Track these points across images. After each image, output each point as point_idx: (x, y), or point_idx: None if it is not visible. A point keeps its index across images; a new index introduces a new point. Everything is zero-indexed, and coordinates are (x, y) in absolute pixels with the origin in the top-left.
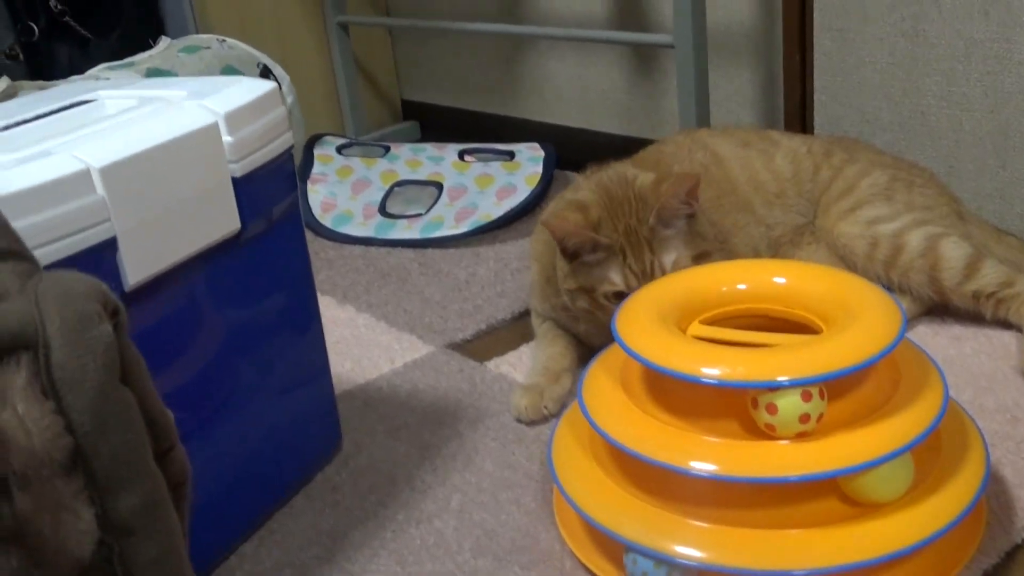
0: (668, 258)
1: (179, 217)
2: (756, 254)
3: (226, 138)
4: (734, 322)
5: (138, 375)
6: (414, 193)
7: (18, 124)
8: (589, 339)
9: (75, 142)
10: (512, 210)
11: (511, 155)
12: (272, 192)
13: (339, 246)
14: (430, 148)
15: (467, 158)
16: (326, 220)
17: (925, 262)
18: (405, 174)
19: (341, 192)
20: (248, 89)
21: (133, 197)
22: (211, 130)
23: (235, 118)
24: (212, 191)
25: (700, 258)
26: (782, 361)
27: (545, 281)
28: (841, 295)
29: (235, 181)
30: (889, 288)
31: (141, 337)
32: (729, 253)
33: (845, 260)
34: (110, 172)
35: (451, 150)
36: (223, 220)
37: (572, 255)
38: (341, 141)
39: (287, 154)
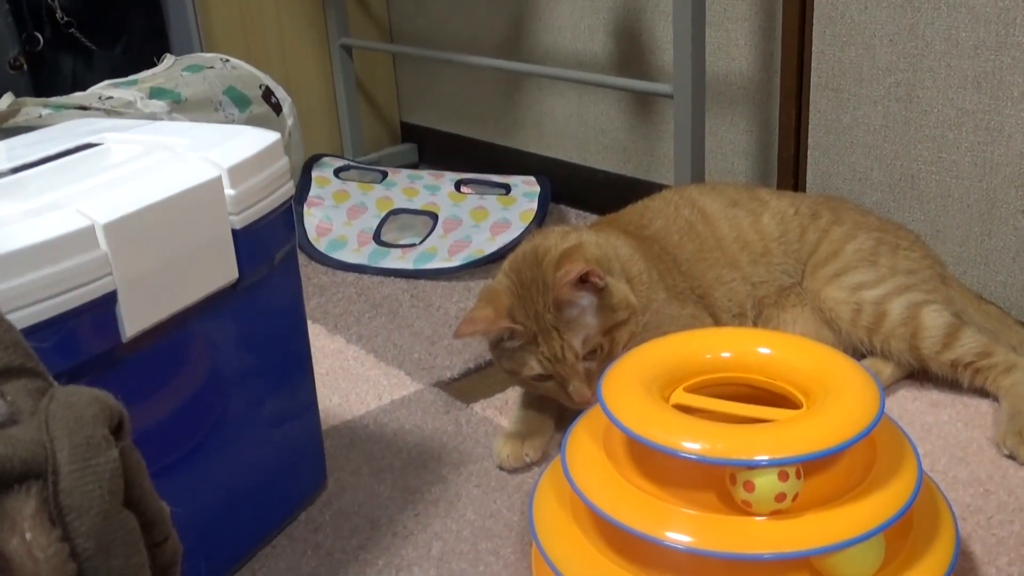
0: (576, 339)
1: (178, 269)
2: (740, 310)
3: (228, 191)
4: (718, 390)
5: (139, 478)
6: (409, 222)
7: (24, 167)
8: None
9: (80, 195)
10: (505, 246)
11: (507, 189)
12: (270, 241)
13: (332, 272)
14: (427, 176)
15: (463, 189)
16: (320, 244)
17: (906, 330)
18: (401, 202)
19: (337, 217)
20: (251, 141)
21: (135, 251)
22: (214, 184)
23: (238, 171)
24: (212, 243)
25: (613, 330)
26: (762, 440)
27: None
28: (822, 370)
29: (235, 233)
30: (871, 352)
31: (133, 382)
32: (709, 307)
33: (830, 325)
34: (114, 228)
35: (448, 180)
36: (221, 270)
37: (493, 344)
38: (339, 163)
39: (287, 204)
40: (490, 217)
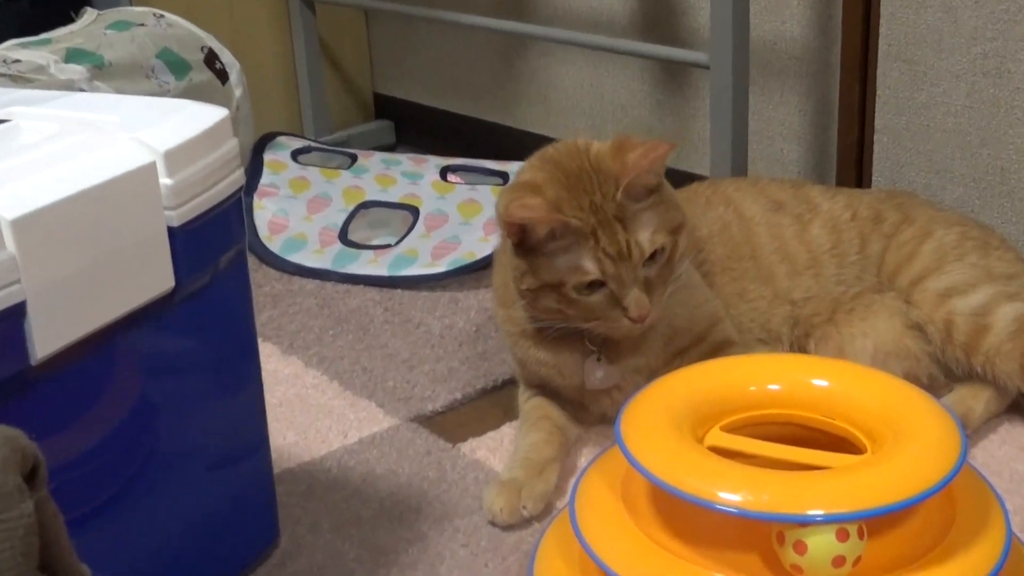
0: (644, 235)
1: (101, 276)
2: (767, 333)
3: (164, 181)
4: (762, 430)
5: (56, 535)
6: (383, 218)
7: None
8: (579, 396)
9: None
10: None
11: (504, 177)
12: (215, 242)
13: (288, 278)
14: (406, 162)
15: (451, 178)
16: (274, 244)
17: (1016, 347)
18: (374, 193)
19: (294, 210)
20: (193, 118)
21: (48, 254)
22: (146, 172)
23: (176, 157)
24: (143, 244)
25: (677, 231)
26: (817, 490)
27: (512, 325)
28: (891, 407)
29: (171, 231)
30: (969, 375)
31: (45, 414)
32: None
33: (910, 347)
34: (23, 225)
35: (432, 166)
36: (154, 277)
37: (530, 248)
38: (298, 144)
39: (236, 196)
40: (484, 212)
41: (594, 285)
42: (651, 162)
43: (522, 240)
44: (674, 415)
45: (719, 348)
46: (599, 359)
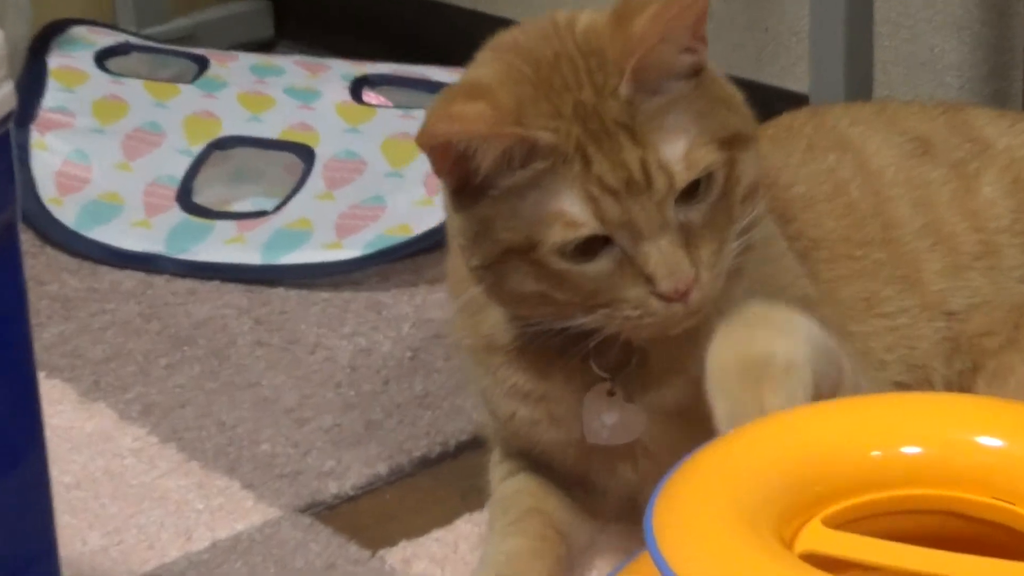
0: (672, 148)
1: None
2: (906, 366)
3: None
4: (893, 524)
5: None
6: (254, 165)
7: None
8: (581, 464)
9: None
10: None
11: None
12: None
13: (92, 269)
14: (293, 69)
15: (369, 96)
16: (66, 211)
17: None
18: (237, 123)
19: (101, 153)
20: None
21: None
22: None
23: None
24: None
25: (736, 143)
26: None
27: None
28: None
29: None
30: None
31: None
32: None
33: None
34: None
35: (336, 77)
36: None
37: (476, 192)
38: (108, 39)
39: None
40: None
41: (592, 244)
42: (670, 23)
43: (461, 181)
44: (744, 501)
45: None
46: (611, 391)
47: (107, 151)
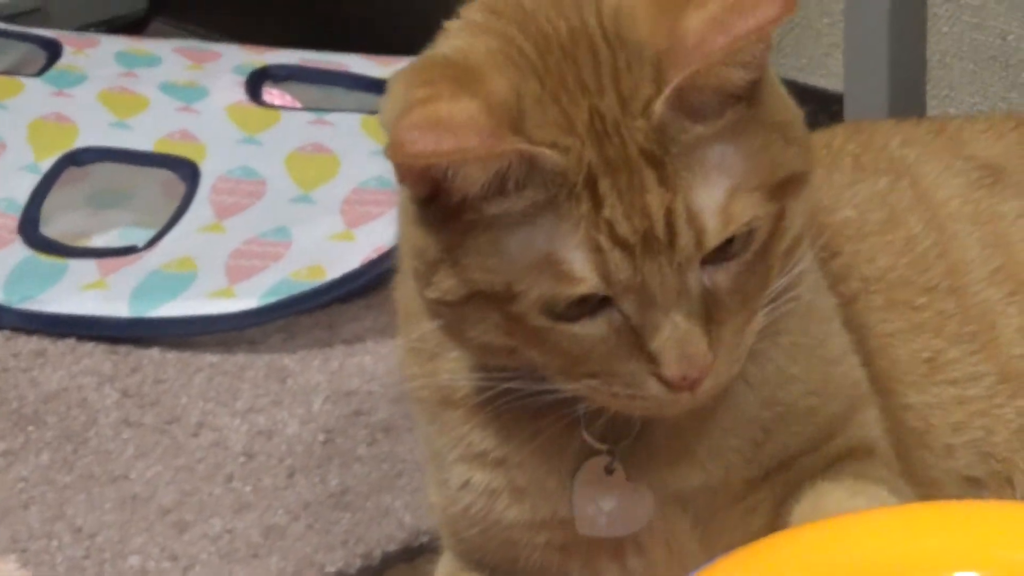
0: (707, 195)
1: None
2: (980, 457)
3: None
4: None
5: None
6: (121, 184)
7: None
8: (560, 562)
9: None
10: (384, 256)
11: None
12: None
13: None
14: (171, 56)
15: (270, 94)
16: None
17: None
18: (97, 129)
19: None
20: None
21: None
22: None
23: None
24: None
25: (785, 189)
26: None
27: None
28: None
29: None
30: None
31: None
32: (894, 438)
33: None
34: None
35: (228, 68)
36: None
37: (450, 211)
38: None
39: None
40: (343, 172)
41: (586, 301)
42: (741, 40)
43: (433, 193)
44: None
45: (848, 461)
46: (610, 467)
47: None
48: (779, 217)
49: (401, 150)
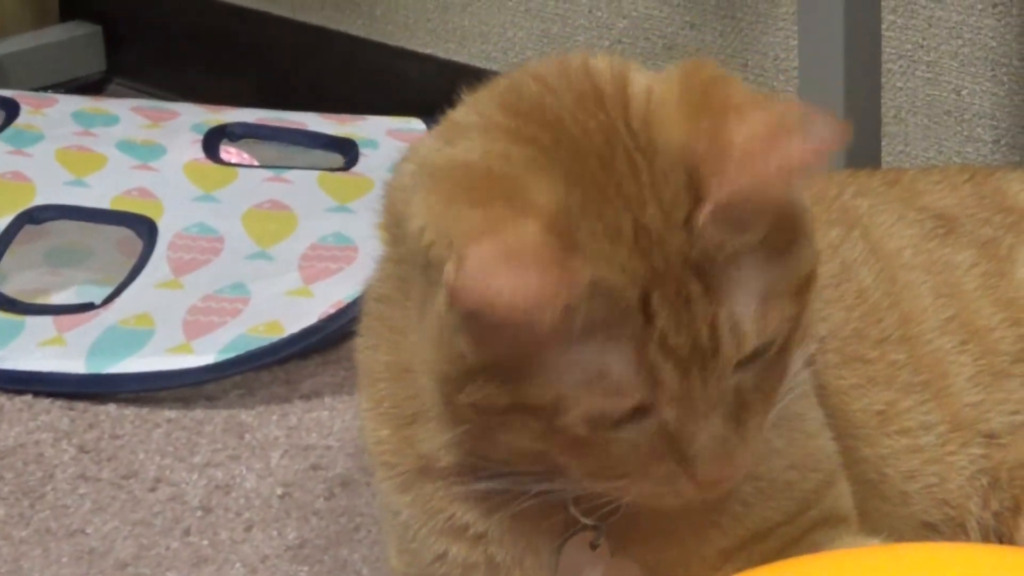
0: (745, 304)
1: None
2: (936, 504)
3: None
4: None
5: None
6: (78, 242)
7: None
8: None
9: None
10: (344, 310)
11: (348, 148)
12: None
13: None
14: (128, 115)
15: (227, 152)
16: None
17: None
18: (53, 189)
19: None
20: None
21: None
22: None
23: None
24: None
25: (807, 288)
26: None
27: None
28: None
29: None
30: None
31: None
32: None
33: None
34: None
35: (185, 126)
36: None
37: (493, 325)
38: None
39: None
40: (301, 228)
41: (634, 413)
42: (795, 168)
43: (485, 317)
44: None
45: (822, 529)
46: (595, 542)
47: None
48: (800, 315)
49: (480, 298)
